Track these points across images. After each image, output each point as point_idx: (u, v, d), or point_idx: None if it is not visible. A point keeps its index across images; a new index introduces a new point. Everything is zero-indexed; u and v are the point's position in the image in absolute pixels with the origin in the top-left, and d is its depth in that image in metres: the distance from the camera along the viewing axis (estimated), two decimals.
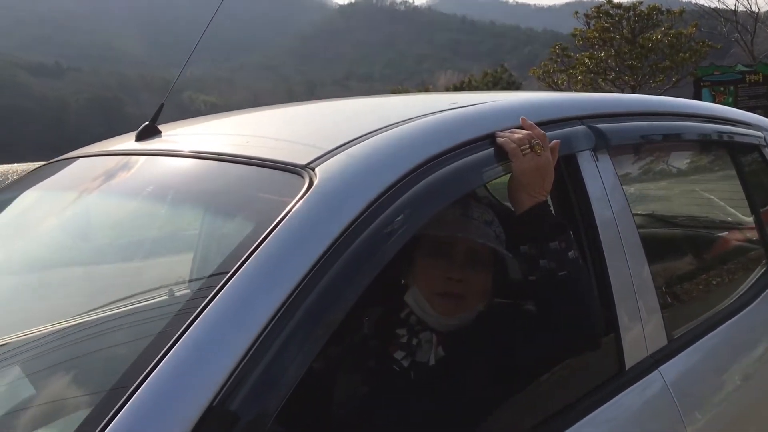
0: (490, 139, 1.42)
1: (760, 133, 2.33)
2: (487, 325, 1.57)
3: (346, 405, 1.55)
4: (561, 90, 21.80)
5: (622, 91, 22.11)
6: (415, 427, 1.45)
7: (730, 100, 17.99)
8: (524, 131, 1.43)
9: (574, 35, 26.37)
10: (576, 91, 20.25)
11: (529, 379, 1.46)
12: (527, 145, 1.40)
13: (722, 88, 18.76)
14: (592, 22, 25.60)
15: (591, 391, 1.46)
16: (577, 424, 1.37)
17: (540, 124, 1.48)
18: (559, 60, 26.21)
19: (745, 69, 19.18)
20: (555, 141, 1.47)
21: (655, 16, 25.00)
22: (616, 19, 25.12)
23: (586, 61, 24.90)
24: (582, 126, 1.62)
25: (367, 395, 1.54)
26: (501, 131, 1.43)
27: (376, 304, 1.69)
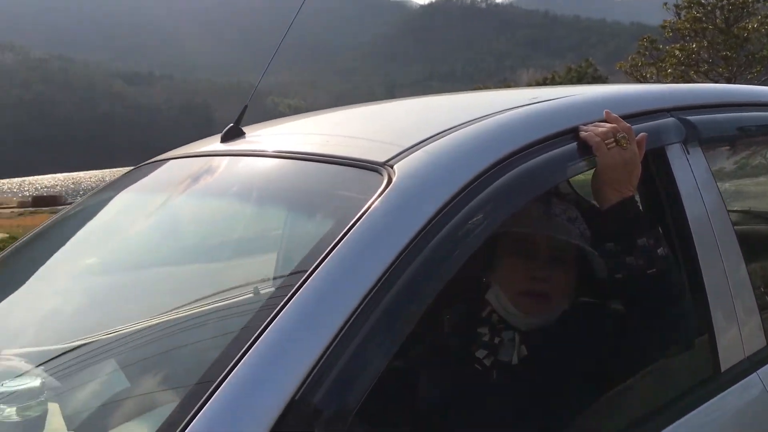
0: (573, 133, 1.38)
1: None
2: (572, 325, 1.53)
3: (427, 403, 1.54)
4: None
5: (716, 83, 21.14)
6: (497, 427, 1.44)
7: None
8: (609, 125, 1.39)
9: (663, 27, 25.44)
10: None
11: (617, 380, 1.41)
12: (612, 139, 1.36)
13: None
14: (683, 12, 24.62)
15: (683, 394, 1.40)
16: (670, 427, 1.31)
17: (625, 117, 1.43)
18: (647, 53, 25.33)
19: None
20: (642, 134, 1.41)
21: (750, 5, 23.77)
22: (709, 8, 24.06)
23: (677, 53, 23.95)
24: (671, 118, 1.56)
25: (449, 394, 1.53)
26: (584, 125, 1.39)
27: (457, 302, 1.68)
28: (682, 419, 1.34)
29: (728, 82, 22.23)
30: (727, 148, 1.98)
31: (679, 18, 24.66)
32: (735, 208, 2.55)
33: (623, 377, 1.41)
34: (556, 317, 1.55)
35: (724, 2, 23.89)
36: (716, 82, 22.36)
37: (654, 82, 22.86)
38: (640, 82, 23.77)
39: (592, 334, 1.48)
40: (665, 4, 25.39)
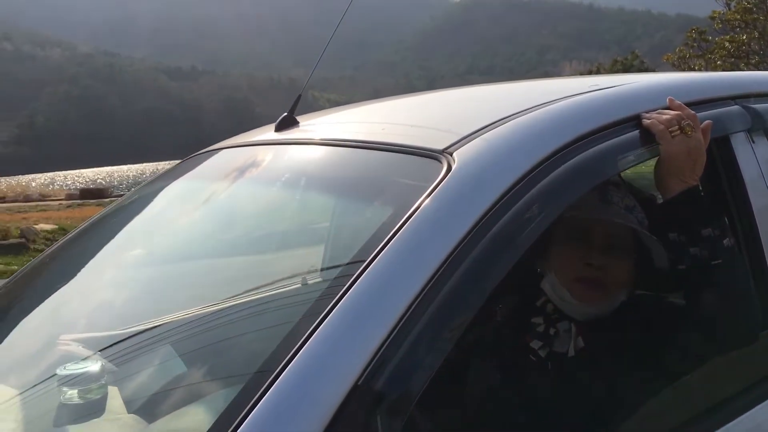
0: (635, 120, 1.35)
1: None
2: (630, 316, 1.50)
3: (482, 392, 1.53)
4: None
5: None
6: (553, 419, 1.42)
7: None
8: (673, 112, 1.35)
9: (712, 18, 24.76)
10: None
11: (677, 374, 1.38)
12: (676, 127, 1.32)
13: None
14: (733, 3, 23.94)
15: (748, 388, 1.36)
16: (733, 422, 1.28)
17: (689, 105, 1.40)
18: (696, 45, 24.73)
19: None
20: (707, 122, 1.38)
21: None
22: None
23: (726, 44, 23.31)
24: (736, 106, 1.52)
25: (505, 384, 1.52)
26: (647, 112, 1.36)
27: (512, 291, 1.66)
28: (745, 414, 1.31)
29: None
30: None
31: (729, 9, 24.00)
32: None
33: (683, 371, 1.38)
34: (614, 308, 1.52)
35: None
36: None
37: None
38: None
39: (652, 326, 1.45)
40: None
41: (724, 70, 22.55)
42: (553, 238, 1.57)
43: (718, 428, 1.28)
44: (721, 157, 1.47)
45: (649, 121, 1.34)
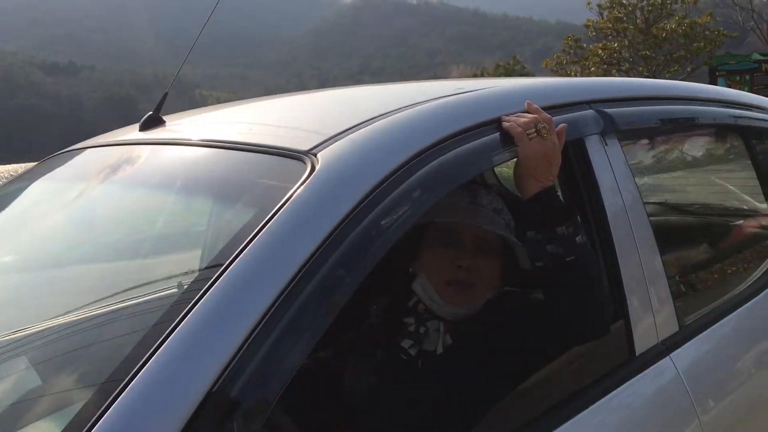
0: (495, 123, 1.39)
1: None
2: (496, 314, 1.55)
3: (352, 393, 1.54)
4: None
5: None
6: (422, 415, 1.44)
7: (746, 89, 17.80)
8: (530, 115, 1.41)
9: (587, 26, 26.18)
10: None
11: (536, 367, 1.44)
12: (533, 130, 1.38)
13: (738, 77, 18.62)
14: (605, 12, 25.41)
15: (600, 378, 1.44)
16: (586, 411, 1.35)
17: (547, 109, 1.46)
18: (572, 51, 26.06)
19: (761, 57, 19.03)
20: (562, 125, 1.44)
21: (669, 6, 24.78)
22: (630, 9, 24.94)
23: (600, 52, 24.74)
24: (590, 110, 1.59)
25: (374, 384, 1.53)
26: (507, 116, 1.41)
27: (383, 293, 1.68)
28: (598, 403, 1.38)
29: None
30: (645, 140, 2.05)
31: (602, 18, 25.45)
32: (651, 200, 2.65)
33: (542, 364, 1.44)
34: (481, 307, 1.57)
35: (644, 3, 24.80)
36: None
37: None
38: None
39: (514, 322, 1.51)
40: (588, 3, 26.15)
41: (597, 76, 23.92)
42: (424, 241, 1.60)
43: (575, 415, 1.34)
44: (576, 159, 1.54)
45: (507, 124, 1.39)
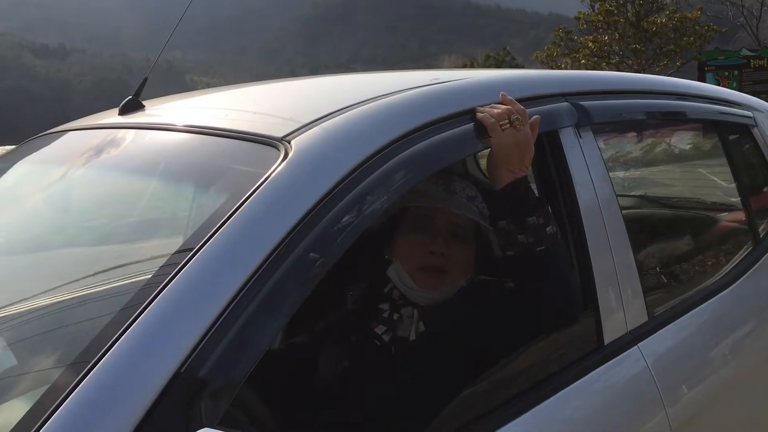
0: (470, 114, 1.41)
1: (749, 113, 2.31)
2: (469, 301, 1.58)
3: (326, 378, 1.56)
4: None
5: None
6: (394, 401, 1.47)
7: (735, 84, 17.90)
8: (504, 106, 1.43)
9: (577, 18, 26.18)
10: None
11: (506, 354, 1.46)
12: (506, 120, 1.40)
13: (726, 73, 18.68)
14: (597, 5, 25.41)
15: (568, 366, 1.47)
16: (554, 397, 1.38)
17: (522, 100, 1.48)
18: (562, 44, 26.07)
19: (749, 53, 19.09)
20: (535, 116, 1.46)
21: (659, 0, 24.82)
22: (621, 2, 24.94)
23: (590, 44, 24.76)
24: (565, 102, 1.61)
25: (348, 369, 1.55)
26: (481, 106, 1.43)
27: (359, 279, 1.70)
28: (565, 390, 1.40)
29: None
30: (619, 133, 2.08)
31: (593, 10, 25.45)
32: (624, 191, 2.68)
33: (512, 351, 1.47)
34: (454, 293, 1.59)
35: None
36: None
37: None
38: None
39: (486, 310, 1.53)
40: None
41: (587, 69, 23.97)
42: (399, 226, 1.62)
43: (544, 401, 1.37)
44: (550, 151, 1.57)
45: (481, 114, 1.41)
